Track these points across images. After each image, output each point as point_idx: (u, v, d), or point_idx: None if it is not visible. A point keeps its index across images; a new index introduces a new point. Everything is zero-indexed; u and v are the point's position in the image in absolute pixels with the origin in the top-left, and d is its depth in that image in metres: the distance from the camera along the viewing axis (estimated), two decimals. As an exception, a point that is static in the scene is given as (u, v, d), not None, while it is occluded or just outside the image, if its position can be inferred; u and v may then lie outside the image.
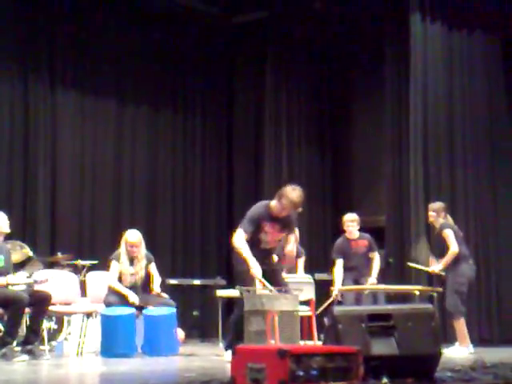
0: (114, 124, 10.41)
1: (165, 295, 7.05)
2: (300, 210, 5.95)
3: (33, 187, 9.56)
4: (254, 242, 5.80)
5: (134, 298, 6.80)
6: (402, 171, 9.97)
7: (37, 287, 6.48)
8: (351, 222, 8.23)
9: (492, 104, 9.34)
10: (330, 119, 11.50)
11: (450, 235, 7.35)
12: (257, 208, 5.91)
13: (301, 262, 8.63)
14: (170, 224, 10.74)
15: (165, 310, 6.79)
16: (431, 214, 7.67)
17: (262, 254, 5.87)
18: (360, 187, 11.21)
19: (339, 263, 8.14)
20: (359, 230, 8.29)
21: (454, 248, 7.30)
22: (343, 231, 8.33)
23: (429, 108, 9.50)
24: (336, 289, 7.91)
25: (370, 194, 10.96)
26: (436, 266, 7.41)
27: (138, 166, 10.54)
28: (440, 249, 7.51)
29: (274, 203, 5.88)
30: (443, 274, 7.35)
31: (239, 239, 5.75)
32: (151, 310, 6.76)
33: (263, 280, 5.66)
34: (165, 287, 8.99)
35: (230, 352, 5.31)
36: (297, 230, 8.67)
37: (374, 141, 10.95)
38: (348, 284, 8.02)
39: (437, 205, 7.75)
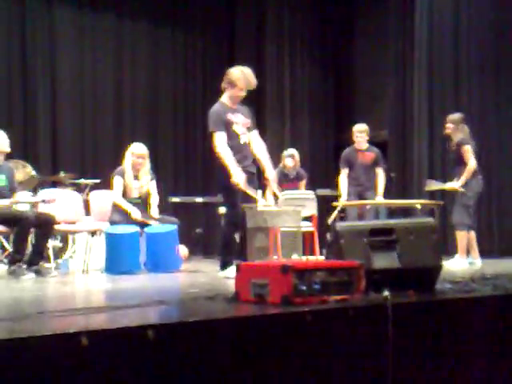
0: (113, 40, 10.23)
1: (156, 216, 7.01)
2: (254, 85, 5.61)
3: (32, 106, 9.48)
4: (232, 138, 5.48)
5: (136, 214, 6.84)
6: (406, 89, 9.90)
7: (43, 206, 6.51)
8: (360, 132, 8.20)
9: (498, 20, 9.13)
10: (333, 35, 11.30)
11: (469, 151, 7.23)
12: (213, 109, 5.55)
13: (303, 184, 8.67)
14: (171, 142, 10.72)
15: (166, 227, 6.84)
16: (449, 125, 7.41)
17: (246, 151, 5.59)
18: (363, 105, 11.12)
19: (344, 173, 8.18)
20: (368, 143, 8.29)
21: (472, 164, 7.22)
22: (353, 142, 8.31)
23: (434, 25, 9.33)
24: (343, 196, 7.98)
25: (372, 112, 10.88)
26: (454, 183, 7.32)
27: (138, 83, 10.42)
28: (454, 161, 7.42)
29: (225, 96, 5.60)
30: (463, 190, 7.26)
31: (221, 142, 5.41)
32: (153, 228, 6.82)
33: (247, 188, 5.42)
34: (167, 205, 9.06)
35: (228, 269, 5.37)
36: (296, 153, 8.67)
37: (377, 59, 10.79)
38: (352, 199, 8.06)
39: (456, 116, 7.48)
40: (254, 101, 11.81)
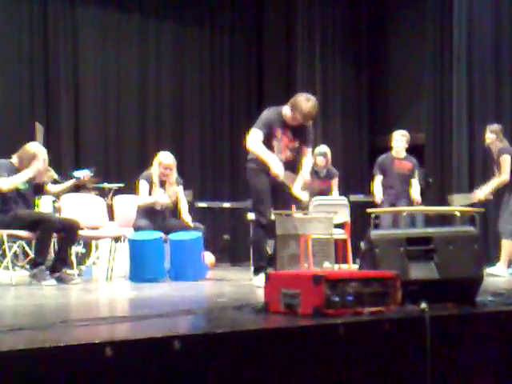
0: (137, 40, 10.31)
1: (191, 224, 7.10)
2: (311, 122, 5.69)
3: (56, 109, 9.59)
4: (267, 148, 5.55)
5: (163, 198, 6.90)
6: (444, 86, 9.81)
7: (67, 206, 6.60)
8: (401, 136, 8.12)
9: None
10: (367, 31, 11.24)
11: (507, 162, 7.27)
12: (269, 112, 5.63)
13: (335, 183, 8.62)
14: (198, 145, 10.75)
15: (191, 234, 6.88)
16: (490, 136, 7.52)
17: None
18: (398, 103, 11.05)
19: (378, 180, 8.12)
20: (407, 152, 8.21)
21: (504, 176, 7.25)
22: (390, 148, 8.25)
23: (475, 17, 9.23)
24: (377, 199, 7.93)
25: (408, 111, 10.81)
26: (479, 192, 7.34)
27: (163, 84, 10.48)
28: (494, 171, 7.47)
29: (285, 110, 5.62)
30: (490, 197, 7.28)
31: (255, 139, 5.49)
32: (177, 235, 6.85)
33: (286, 180, 5.48)
34: (194, 210, 9.10)
35: (259, 276, 5.40)
36: (328, 151, 8.63)
37: (414, 54, 10.72)
38: (385, 207, 8.01)
39: (495, 126, 7.58)
40: (284, 100, 11.94)
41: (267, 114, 5.63)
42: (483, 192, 7.33)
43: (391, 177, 8.11)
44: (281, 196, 5.65)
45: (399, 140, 8.11)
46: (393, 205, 8.06)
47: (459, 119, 9.45)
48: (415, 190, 8.06)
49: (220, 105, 10.95)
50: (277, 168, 5.41)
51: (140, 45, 10.33)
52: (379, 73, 11.29)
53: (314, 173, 8.60)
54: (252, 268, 5.83)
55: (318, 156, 8.53)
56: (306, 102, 5.52)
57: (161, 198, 6.95)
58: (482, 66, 9.31)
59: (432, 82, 10.07)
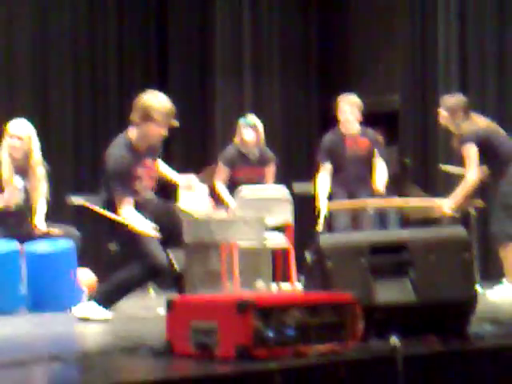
0: None
1: (53, 230, 7.06)
2: (176, 123, 6.15)
3: None
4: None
5: (13, 195, 6.88)
6: (427, 25, 9.93)
7: None
8: (350, 105, 8.22)
9: None
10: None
11: (472, 153, 7.44)
12: (117, 156, 6.06)
13: (270, 171, 8.64)
14: (70, 115, 10.68)
15: (57, 243, 6.81)
16: (443, 113, 7.67)
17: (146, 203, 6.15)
18: (362, 56, 11.16)
19: (325, 169, 8.20)
20: (362, 124, 8.32)
21: (471, 176, 7.43)
22: (336, 122, 8.34)
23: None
24: (322, 204, 8.00)
25: (376, 66, 10.93)
26: (446, 205, 7.59)
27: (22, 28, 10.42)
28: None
29: (133, 134, 6.11)
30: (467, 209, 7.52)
31: (125, 208, 5.97)
32: (38, 245, 6.79)
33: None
34: (64, 209, 9.00)
35: (98, 309, 5.71)
36: (259, 122, 8.68)
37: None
38: (340, 200, 8.11)
39: (452, 99, 7.72)
40: (197, 52, 11.92)
41: (116, 159, 6.06)
42: (449, 205, 7.52)
43: (345, 163, 8.21)
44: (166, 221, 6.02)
45: (348, 111, 8.22)
46: (352, 195, 8.17)
47: (447, 73, 9.59)
48: (379, 176, 8.17)
49: (102, 57, 10.89)
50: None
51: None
52: (334, 13, 11.38)
53: (240, 155, 8.61)
54: (151, 292, 5.84)
55: (244, 128, 8.53)
56: (152, 97, 6.09)
57: (10, 194, 6.87)
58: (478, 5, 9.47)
59: (409, 20, 10.18)
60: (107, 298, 5.94)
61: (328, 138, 8.36)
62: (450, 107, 7.63)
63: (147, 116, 5.95)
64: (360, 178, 8.23)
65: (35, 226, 7.00)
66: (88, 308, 5.85)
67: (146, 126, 5.99)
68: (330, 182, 8.19)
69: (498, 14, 9.31)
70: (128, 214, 5.95)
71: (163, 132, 6.05)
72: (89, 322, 5.78)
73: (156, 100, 6.02)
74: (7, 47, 10.41)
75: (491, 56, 9.17)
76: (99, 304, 5.86)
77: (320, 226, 7.74)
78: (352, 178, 8.24)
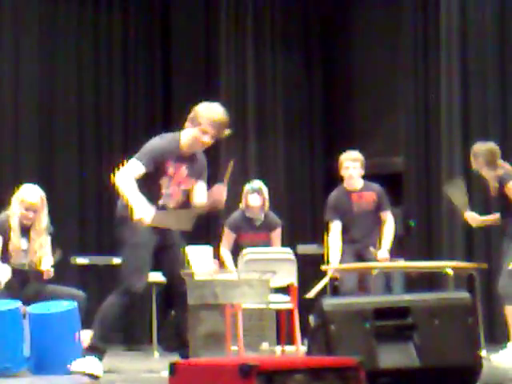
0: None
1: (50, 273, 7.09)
2: (227, 132, 6.17)
3: None
4: (149, 191, 5.98)
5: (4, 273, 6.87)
6: (429, 88, 9.97)
7: None
8: (352, 161, 8.23)
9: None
10: (320, 17, 11.36)
11: None
12: (161, 139, 6.13)
13: (276, 236, 8.63)
14: (76, 180, 10.70)
15: (61, 304, 6.77)
16: (479, 160, 7.67)
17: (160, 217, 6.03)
18: (365, 115, 11.20)
19: (335, 227, 8.18)
20: (365, 178, 8.34)
21: None
22: (341, 179, 8.36)
23: (469, 3, 9.48)
24: (332, 265, 7.98)
25: (379, 126, 10.96)
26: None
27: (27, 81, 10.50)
28: (500, 207, 7.64)
29: (184, 135, 6.13)
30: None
31: (126, 174, 5.95)
32: (40, 306, 6.75)
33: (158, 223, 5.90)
34: (69, 270, 9.01)
35: (90, 359, 5.76)
36: (263, 186, 8.70)
37: (386, 43, 10.90)
38: (347, 261, 8.08)
39: (482, 146, 7.74)
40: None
41: (159, 140, 6.11)
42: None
43: (353, 219, 8.21)
44: (167, 255, 6.08)
45: (350, 167, 8.24)
46: (360, 257, 8.14)
47: (450, 135, 9.60)
48: (388, 232, 8.16)
49: (108, 118, 10.94)
50: (142, 213, 5.81)
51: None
52: (338, 70, 11.42)
53: (246, 220, 8.61)
54: (156, 354, 5.82)
55: (250, 194, 8.55)
56: (208, 106, 6.09)
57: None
58: (481, 58, 9.50)
59: (412, 82, 10.22)
60: (98, 340, 5.96)
61: (333, 195, 8.37)
62: (484, 153, 7.64)
63: (195, 121, 6.00)
64: (367, 231, 8.22)
65: (42, 271, 7.03)
66: (85, 362, 5.83)
67: (194, 130, 6.01)
68: (339, 238, 8.18)
69: (499, 73, 9.37)
70: (126, 184, 5.89)
71: (208, 140, 6.02)
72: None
73: (208, 107, 6.05)
74: (13, 109, 10.49)
75: (493, 119, 9.20)
76: (94, 350, 5.89)
77: (314, 292, 7.72)
78: (360, 235, 8.22)
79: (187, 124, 6.09)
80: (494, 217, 7.74)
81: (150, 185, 5.98)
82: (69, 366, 6.12)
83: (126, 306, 5.98)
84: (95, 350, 5.93)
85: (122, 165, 6.00)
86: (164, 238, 6.03)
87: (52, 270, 7.10)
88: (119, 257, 6.45)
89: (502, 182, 7.54)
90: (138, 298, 6.08)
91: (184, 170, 6.08)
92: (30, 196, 7.10)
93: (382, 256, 8.06)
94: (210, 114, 5.99)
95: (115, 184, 5.93)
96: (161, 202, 6.03)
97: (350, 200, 8.25)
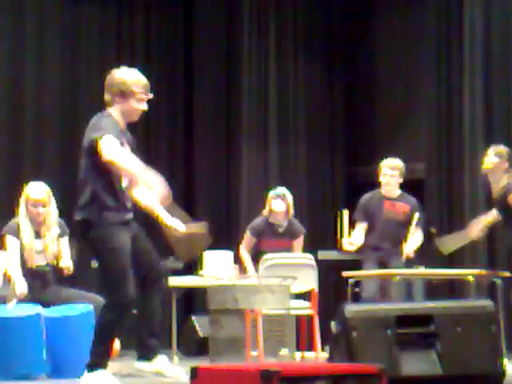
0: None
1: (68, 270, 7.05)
2: (150, 95, 5.78)
3: None
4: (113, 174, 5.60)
5: (21, 287, 6.81)
6: (452, 95, 9.96)
7: None
8: (391, 169, 8.20)
9: None
10: (342, 28, 11.36)
11: None
12: (107, 118, 5.64)
13: (298, 243, 8.59)
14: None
15: (76, 308, 6.75)
16: (492, 159, 7.58)
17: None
18: (387, 121, 11.19)
19: (360, 228, 8.16)
20: (402, 189, 8.31)
21: None
22: (378, 184, 8.33)
23: (493, 10, 9.46)
24: (355, 239, 8.04)
25: (401, 132, 10.94)
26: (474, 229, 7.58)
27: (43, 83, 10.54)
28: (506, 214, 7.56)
29: (116, 112, 5.69)
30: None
31: (114, 145, 5.47)
32: (57, 310, 6.74)
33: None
34: (88, 273, 9.02)
35: (93, 375, 5.50)
36: (288, 194, 8.66)
37: (409, 51, 10.89)
38: (370, 267, 8.06)
39: (503, 148, 7.68)
40: (223, 123, 11.98)
41: (107, 119, 5.66)
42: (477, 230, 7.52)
43: (380, 224, 8.17)
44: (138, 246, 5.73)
45: (389, 174, 8.21)
46: (383, 265, 8.11)
47: (473, 142, 9.59)
48: (412, 241, 8.09)
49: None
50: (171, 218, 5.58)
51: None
52: (361, 81, 11.41)
53: (268, 227, 8.57)
54: (175, 358, 5.81)
55: (274, 200, 8.50)
56: (124, 71, 5.71)
57: (20, 286, 6.86)
58: (504, 64, 9.48)
59: (434, 89, 10.21)
60: (98, 355, 5.67)
61: (366, 197, 8.35)
62: (502, 155, 7.58)
63: (125, 92, 5.63)
64: (393, 242, 8.17)
65: (62, 268, 7.01)
66: (95, 376, 5.56)
67: (129, 103, 5.65)
68: (364, 244, 8.16)
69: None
70: (118, 154, 5.45)
71: (145, 106, 5.72)
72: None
73: (129, 73, 5.70)
74: (36, 110, 10.55)
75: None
76: (91, 370, 5.60)
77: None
78: (385, 244, 8.19)
79: (116, 100, 5.64)
80: (492, 216, 7.64)
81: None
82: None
83: (122, 319, 5.72)
84: (99, 365, 5.65)
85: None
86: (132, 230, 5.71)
87: (71, 266, 7.08)
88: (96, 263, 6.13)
89: (509, 190, 7.48)
90: (133, 305, 5.74)
91: (127, 146, 5.74)
92: (35, 192, 7.06)
93: (407, 250, 8.02)
94: (136, 79, 5.64)
95: (113, 163, 5.47)
96: (124, 184, 5.68)
97: (382, 206, 8.22)
